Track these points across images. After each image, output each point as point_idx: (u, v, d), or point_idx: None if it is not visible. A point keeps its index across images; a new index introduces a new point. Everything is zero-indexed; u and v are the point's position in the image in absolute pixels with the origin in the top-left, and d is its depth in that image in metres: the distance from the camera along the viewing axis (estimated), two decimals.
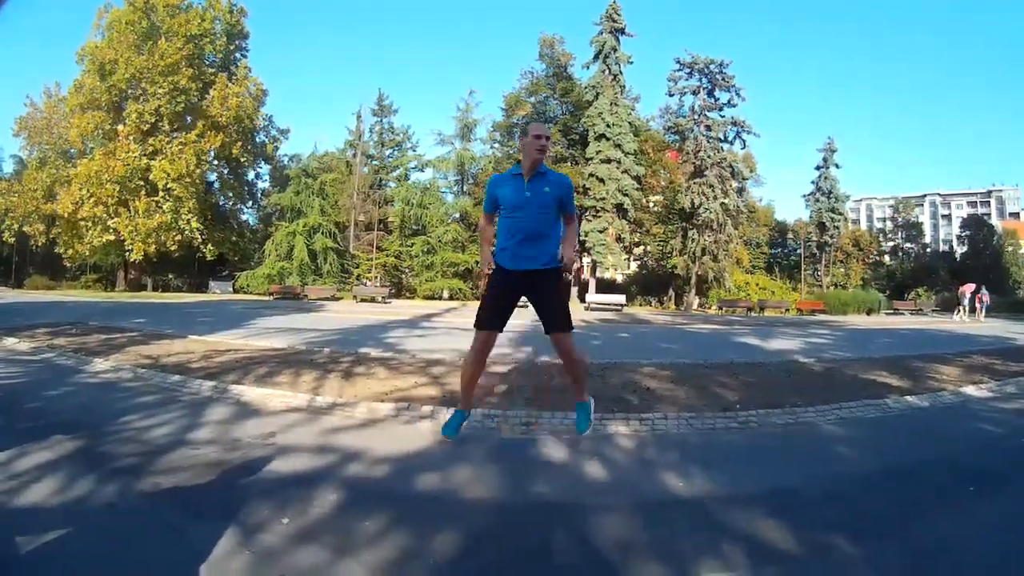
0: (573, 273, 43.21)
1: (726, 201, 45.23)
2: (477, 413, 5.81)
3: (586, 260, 48.14)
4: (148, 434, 5.26)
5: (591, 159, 44.56)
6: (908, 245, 74.46)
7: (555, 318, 4.51)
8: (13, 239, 49.66)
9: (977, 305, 33.84)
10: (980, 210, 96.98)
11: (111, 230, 42.08)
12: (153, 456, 4.60)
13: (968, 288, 34.12)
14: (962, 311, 33.44)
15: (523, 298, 4.53)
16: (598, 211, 44.19)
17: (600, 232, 43.89)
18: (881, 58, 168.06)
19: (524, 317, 8.57)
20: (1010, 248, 65.60)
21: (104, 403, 6.51)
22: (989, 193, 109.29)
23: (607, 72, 45.47)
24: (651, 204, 51.99)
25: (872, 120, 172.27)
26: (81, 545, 3.17)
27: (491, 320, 4.54)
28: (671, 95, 49.09)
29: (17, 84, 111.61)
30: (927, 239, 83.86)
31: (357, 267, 49.13)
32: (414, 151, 53.85)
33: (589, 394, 4.80)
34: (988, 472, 4.76)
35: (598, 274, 49.57)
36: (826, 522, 3.57)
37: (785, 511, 3.70)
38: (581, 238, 44.43)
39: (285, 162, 56.77)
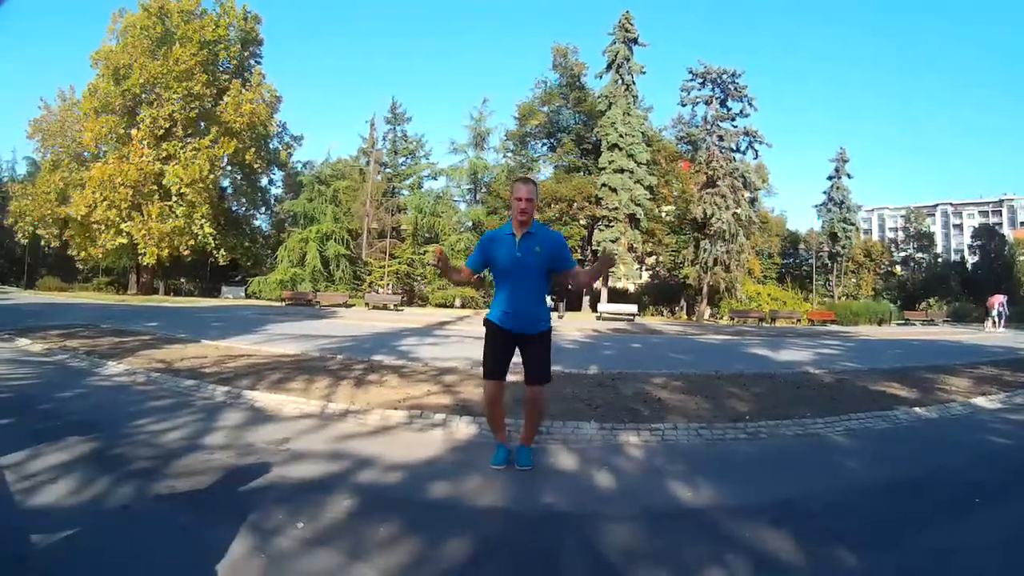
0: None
1: (738, 211, 45.08)
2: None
3: None
4: (162, 438, 5.30)
5: (604, 169, 44.62)
6: (920, 255, 74.23)
7: (539, 372, 4.74)
8: (26, 241, 49.94)
9: (991, 315, 33.88)
10: (991, 219, 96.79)
11: (124, 234, 42.27)
12: (167, 459, 4.64)
13: (996, 299, 34.01)
14: (994, 321, 33.39)
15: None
16: (611, 221, 44.22)
17: (612, 242, 43.89)
18: (892, 67, 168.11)
19: None
20: (1022, 258, 65.20)
21: (118, 406, 6.56)
22: (1001, 202, 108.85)
23: (620, 82, 45.55)
24: (663, 214, 51.96)
25: (884, 129, 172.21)
26: (96, 545, 3.21)
27: (495, 370, 4.72)
28: (684, 105, 49.13)
29: (31, 87, 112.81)
30: (938, 249, 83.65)
31: (369, 274, 49.20)
32: (427, 159, 54.38)
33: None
34: (995, 483, 4.78)
35: (610, 284, 49.52)
36: (832, 533, 3.58)
37: (792, 522, 3.72)
38: (593, 247, 44.49)
39: (298, 169, 57.15)
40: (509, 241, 4.64)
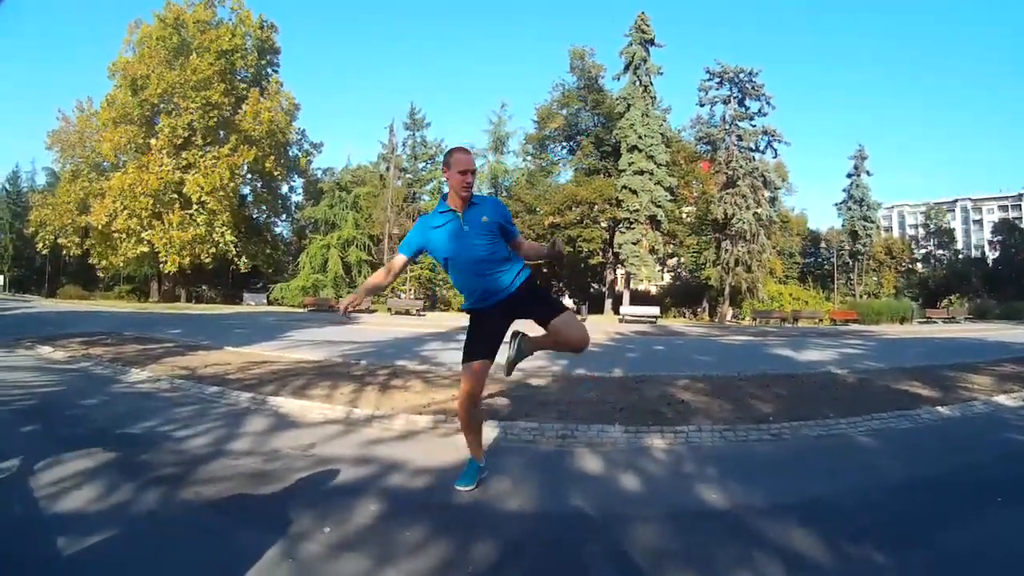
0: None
1: (759, 211, 45.01)
2: (516, 427, 5.83)
3: (620, 271, 48.16)
4: (187, 444, 5.33)
5: (624, 171, 44.69)
6: (940, 252, 73.75)
7: (549, 309, 4.20)
8: (47, 250, 50.46)
9: None
10: (1011, 214, 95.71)
11: (145, 242, 42.74)
12: (193, 466, 4.65)
13: None
14: None
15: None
16: (632, 223, 44.28)
17: (634, 244, 43.94)
18: (909, 63, 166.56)
19: None
20: None
21: (142, 413, 6.56)
22: (1020, 196, 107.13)
23: (638, 83, 45.61)
24: (684, 215, 51.85)
25: (901, 125, 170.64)
26: (123, 551, 3.22)
27: (481, 351, 4.25)
28: (702, 105, 49.29)
29: (48, 98, 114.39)
30: (959, 245, 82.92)
31: None
32: None
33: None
34: (1016, 481, 4.73)
35: (632, 286, 49.56)
36: (857, 533, 3.55)
37: (817, 522, 3.69)
38: (615, 249, 44.52)
39: (318, 175, 57.58)
40: (451, 218, 4.09)
